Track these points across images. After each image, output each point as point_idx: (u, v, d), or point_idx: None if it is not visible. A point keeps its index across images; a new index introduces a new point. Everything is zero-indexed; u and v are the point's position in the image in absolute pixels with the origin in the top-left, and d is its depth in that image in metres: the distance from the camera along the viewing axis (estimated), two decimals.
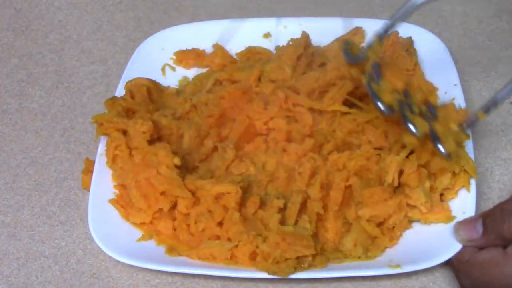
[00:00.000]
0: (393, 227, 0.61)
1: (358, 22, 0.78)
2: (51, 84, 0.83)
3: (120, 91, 0.73)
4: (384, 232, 0.61)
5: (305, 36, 0.76)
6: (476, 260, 0.55)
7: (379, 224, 0.61)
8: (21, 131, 0.77)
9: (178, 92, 0.76)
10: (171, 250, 0.62)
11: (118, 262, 0.64)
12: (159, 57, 0.79)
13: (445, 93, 0.71)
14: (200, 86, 0.75)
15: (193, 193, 0.63)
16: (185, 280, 0.63)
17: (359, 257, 0.60)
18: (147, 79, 0.74)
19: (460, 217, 0.60)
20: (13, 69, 0.85)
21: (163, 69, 0.79)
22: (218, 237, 0.61)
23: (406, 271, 0.58)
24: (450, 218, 0.61)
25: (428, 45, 0.75)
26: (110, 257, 0.64)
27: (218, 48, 0.80)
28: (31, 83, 0.83)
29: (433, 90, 0.71)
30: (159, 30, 0.82)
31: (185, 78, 0.79)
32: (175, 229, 0.63)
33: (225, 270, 0.60)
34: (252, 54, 0.79)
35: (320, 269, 0.59)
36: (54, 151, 0.75)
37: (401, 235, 0.61)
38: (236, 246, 0.60)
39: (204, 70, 0.79)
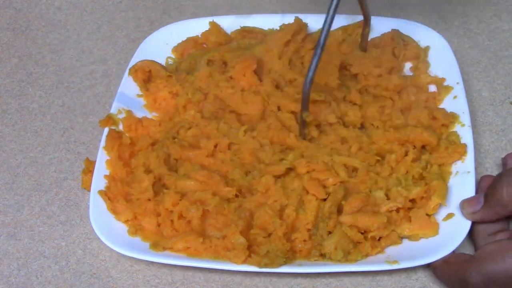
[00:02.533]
0: (379, 238, 0.61)
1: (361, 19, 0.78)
2: (51, 84, 0.83)
3: (121, 90, 0.74)
4: (368, 239, 0.61)
5: (297, 21, 0.76)
6: (484, 253, 0.55)
7: (363, 232, 0.61)
8: (21, 131, 0.77)
9: (171, 68, 0.77)
10: (155, 245, 0.62)
11: (118, 262, 0.64)
12: (163, 52, 0.80)
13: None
14: (194, 64, 0.76)
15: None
16: (185, 280, 0.63)
17: (339, 260, 0.59)
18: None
19: (459, 216, 0.60)
20: (13, 69, 0.85)
21: (166, 63, 0.79)
22: (201, 233, 0.62)
23: (403, 267, 0.58)
24: (437, 231, 0.61)
25: (430, 43, 0.76)
26: (110, 257, 0.64)
27: (213, 26, 0.80)
28: (31, 83, 0.83)
29: None
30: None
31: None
32: (159, 225, 0.64)
33: (221, 263, 0.60)
34: (247, 33, 0.79)
35: (317, 264, 0.59)
36: (54, 151, 0.75)
37: (386, 246, 0.61)
38: (204, 241, 0.61)
39: None
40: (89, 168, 0.70)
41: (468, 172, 0.63)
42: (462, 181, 0.63)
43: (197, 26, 0.81)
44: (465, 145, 0.65)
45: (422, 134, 0.65)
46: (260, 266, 0.59)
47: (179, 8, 0.91)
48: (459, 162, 0.64)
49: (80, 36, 0.89)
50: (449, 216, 0.61)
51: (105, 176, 0.67)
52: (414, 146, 0.66)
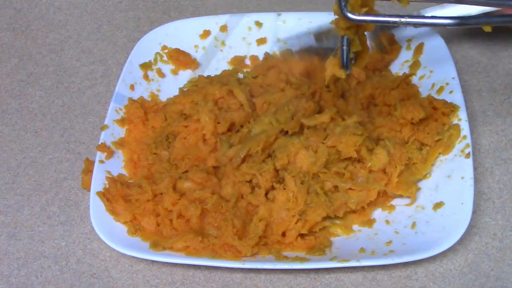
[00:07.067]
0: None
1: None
2: (51, 84, 0.83)
3: (119, 89, 0.74)
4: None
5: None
6: None
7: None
8: (21, 131, 0.77)
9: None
10: (155, 245, 0.62)
11: (118, 262, 0.64)
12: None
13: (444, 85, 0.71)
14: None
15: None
16: (185, 280, 0.63)
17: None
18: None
19: (459, 208, 0.61)
20: (13, 69, 0.85)
21: (155, 60, 0.79)
22: (200, 232, 0.62)
23: (406, 261, 0.59)
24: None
25: (424, 39, 0.76)
26: (110, 257, 0.64)
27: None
28: (31, 83, 0.83)
29: None
30: None
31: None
32: (158, 225, 0.64)
33: (220, 261, 0.60)
34: (239, 63, 0.80)
35: (319, 261, 0.60)
36: (54, 151, 0.75)
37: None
38: (202, 240, 0.61)
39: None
40: (89, 168, 0.70)
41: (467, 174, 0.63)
42: (461, 185, 0.63)
43: (192, 26, 0.81)
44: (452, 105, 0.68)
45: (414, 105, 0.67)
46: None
47: (179, 8, 0.91)
48: (458, 159, 0.65)
49: (80, 36, 0.89)
50: (440, 204, 0.62)
51: (107, 178, 0.67)
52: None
